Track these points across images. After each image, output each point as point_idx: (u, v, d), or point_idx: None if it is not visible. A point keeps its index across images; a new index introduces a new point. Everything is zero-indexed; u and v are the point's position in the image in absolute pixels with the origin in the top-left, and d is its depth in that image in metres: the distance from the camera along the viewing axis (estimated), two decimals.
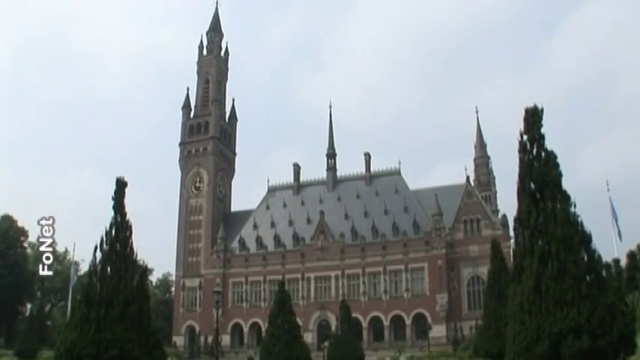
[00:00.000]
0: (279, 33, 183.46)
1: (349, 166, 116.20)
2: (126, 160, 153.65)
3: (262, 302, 68.96)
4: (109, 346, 14.76)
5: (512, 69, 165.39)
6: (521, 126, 14.57)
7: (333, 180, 76.69)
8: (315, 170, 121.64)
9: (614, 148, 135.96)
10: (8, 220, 70.10)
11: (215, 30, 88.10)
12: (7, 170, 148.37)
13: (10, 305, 66.95)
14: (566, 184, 13.83)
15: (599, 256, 13.20)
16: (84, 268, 59.92)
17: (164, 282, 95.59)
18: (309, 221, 71.75)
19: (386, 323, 64.33)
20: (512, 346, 12.92)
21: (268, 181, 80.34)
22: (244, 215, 78.04)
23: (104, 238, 16.50)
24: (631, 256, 42.86)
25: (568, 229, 13.02)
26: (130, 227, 16.91)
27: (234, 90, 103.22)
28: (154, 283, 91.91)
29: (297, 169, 79.51)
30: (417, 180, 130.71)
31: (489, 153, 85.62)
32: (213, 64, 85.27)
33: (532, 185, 13.96)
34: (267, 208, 76.79)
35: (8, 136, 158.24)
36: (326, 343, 42.56)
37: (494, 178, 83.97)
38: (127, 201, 17.18)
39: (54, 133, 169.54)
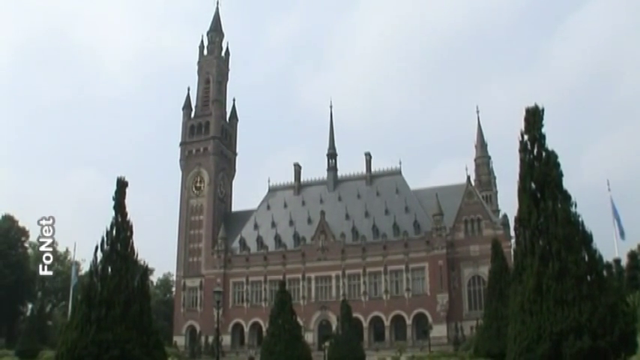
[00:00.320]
0: (280, 33, 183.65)
1: (350, 166, 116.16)
2: (126, 160, 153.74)
3: (263, 302, 68.98)
4: (110, 346, 14.76)
5: (512, 69, 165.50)
6: (521, 126, 14.58)
7: (334, 180, 76.70)
8: (315, 170, 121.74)
9: (614, 148, 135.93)
10: (9, 220, 70.18)
11: (216, 30, 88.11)
12: (8, 170, 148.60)
13: (11, 305, 67.02)
14: (567, 183, 13.84)
15: (600, 256, 13.19)
16: (85, 268, 59.77)
17: (165, 282, 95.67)
18: (309, 221, 71.77)
19: (387, 323, 64.34)
20: (513, 346, 12.92)
21: (269, 181, 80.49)
22: (245, 215, 78.07)
23: (105, 238, 16.50)
24: (632, 255, 42.77)
25: (569, 229, 13.02)
26: (131, 227, 16.91)
27: (235, 90, 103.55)
28: (154, 283, 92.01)
29: (297, 169, 79.51)
30: (417, 180, 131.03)
31: (490, 153, 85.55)
32: (214, 64, 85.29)
33: (533, 185, 13.96)
34: (268, 208, 76.80)
35: (9, 136, 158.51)
36: (327, 343, 42.60)
37: (494, 178, 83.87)
38: (128, 201, 17.18)
39: (55, 133, 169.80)
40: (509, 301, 14.33)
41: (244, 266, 71.68)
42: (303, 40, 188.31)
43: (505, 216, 65.31)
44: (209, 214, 78.10)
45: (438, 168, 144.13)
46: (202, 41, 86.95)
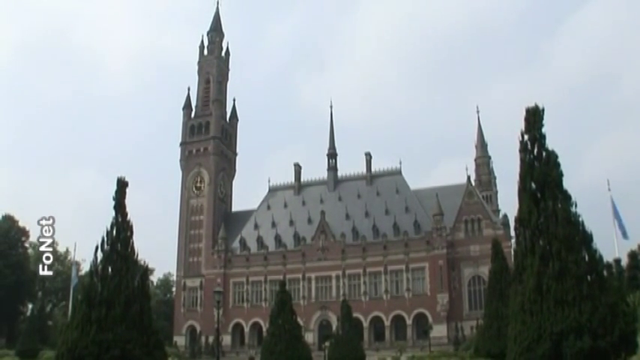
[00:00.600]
0: (281, 33, 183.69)
1: (350, 166, 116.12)
2: (127, 160, 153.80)
3: (263, 302, 68.99)
4: (110, 346, 14.77)
5: (513, 69, 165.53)
6: (522, 126, 14.59)
7: (334, 180, 76.68)
8: (316, 170, 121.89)
9: (615, 148, 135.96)
10: (9, 220, 70.15)
11: (216, 30, 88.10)
12: (9, 170, 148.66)
13: (11, 305, 67.00)
14: (567, 183, 13.85)
15: (600, 256, 13.20)
16: (85, 268, 59.87)
17: (165, 282, 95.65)
18: (310, 221, 71.77)
19: (387, 323, 64.34)
20: (513, 346, 12.93)
21: (269, 181, 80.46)
22: (245, 215, 78.07)
23: (105, 239, 16.51)
24: (632, 255, 42.75)
25: (569, 229, 13.03)
26: (131, 227, 16.93)
27: (235, 90, 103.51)
28: (154, 283, 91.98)
29: (297, 169, 79.49)
30: (417, 180, 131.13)
31: (490, 153, 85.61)
32: (214, 64, 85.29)
33: (533, 185, 13.97)
34: (268, 208, 76.80)
35: (9, 136, 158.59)
36: (327, 343, 42.59)
37: (495, 178, 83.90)
38: (128, 201, 17.20)
39: (55, 133, 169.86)
40: (510, 301, 14.34)
41: (244, 266, 71.68)
42: (303, 40, 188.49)
43: (505, 216, 65.35)
44: (209, 214, 78.09)
45: (438, 168, 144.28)
46: (202, 41, 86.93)
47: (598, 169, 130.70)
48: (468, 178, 67.41)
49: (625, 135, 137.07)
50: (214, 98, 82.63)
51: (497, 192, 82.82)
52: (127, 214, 17.01)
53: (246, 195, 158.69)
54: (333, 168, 77.64)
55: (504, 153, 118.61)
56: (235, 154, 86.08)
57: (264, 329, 56.95)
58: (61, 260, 77.09)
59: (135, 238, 16.89)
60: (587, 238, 13.20)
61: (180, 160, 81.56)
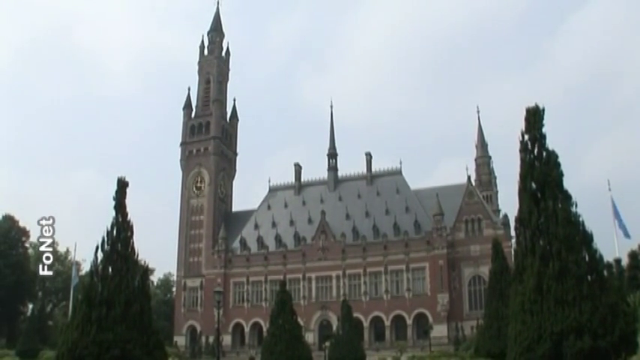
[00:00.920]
0: (281, 33, 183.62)
1: (350, 166, 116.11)
2: (127, 160, 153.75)
3: (263, 302, 69.01)
4: (111, 346, 14.77)
5: (513, 69, 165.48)
6: (522, 126, 14.59)
7: (335, 180, 76.69)
8: (316, 170, 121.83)
9: (616, 148, 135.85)
10: (10, 220, 70.14)
11: (216, 30, 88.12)
12: (9, 170, 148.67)
13: (11, 305, 67.01)
14: (568, 183, 13.85)
15: (601, 256, 13.20)
16: (85, 268, 59.88)
17: (165, 282, 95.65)
18: (310, 221, 71.77)
19: (387, 323, 64.35)
20: (513, 346, 12.93)
21: (269, 181, 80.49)
22: (245, 215, 78.08)
23: (105, 239, 16.51)
24: (632, 255, 42.67)
25: (569, 229, 13.03)
26: (131, 227, 16.92)
27: (236, 90, 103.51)
28: (155, 283, 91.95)
29: (298, 169, 79.51)
30: (418, 180, 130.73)
31: (490, 153, 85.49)
32: (214, 64, 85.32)
33: (533, 185, 13.97)
34: (269, 208, 76.81)
35: (10, 136, 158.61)
36: (327, 343, 42.63)
37: (495, 178, 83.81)
38: (128, 201, 17.19)
39: (56, 132, 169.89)
40: (510, 301, 14.34)
41: (245, 266, 71.70)
42: (303, 40, 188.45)
43: (505, 216, 65.30)
44: (209, 214, 78.10)
45: (439, 168, 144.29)
46: (203, 41, 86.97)
47: (598, 169, 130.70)
48: (469, 178, 67.44)
49: (625, 135, 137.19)
50: (214, 98, 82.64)
51: (497, 192, 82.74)
52: (127, 214, 17.01)
53: (246, 195, 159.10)
54: (333, 168, 77.67)
55: (505, 153, 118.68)
56: (235, 154, 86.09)
57: (264, 329, 56.94)
58: (62, 260, 77.09)
59: (135, 238, 16.90)
60: (587, 238, 13.20)
61: (181, 160, 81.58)
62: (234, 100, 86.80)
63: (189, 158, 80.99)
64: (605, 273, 13.18)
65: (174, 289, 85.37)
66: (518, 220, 14.14)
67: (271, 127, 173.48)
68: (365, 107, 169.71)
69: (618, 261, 32.51)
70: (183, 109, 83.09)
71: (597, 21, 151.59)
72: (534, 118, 14.41)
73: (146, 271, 17.57)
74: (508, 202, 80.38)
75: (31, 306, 65.03)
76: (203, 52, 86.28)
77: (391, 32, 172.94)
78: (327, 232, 69.32)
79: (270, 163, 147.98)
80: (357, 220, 69.82)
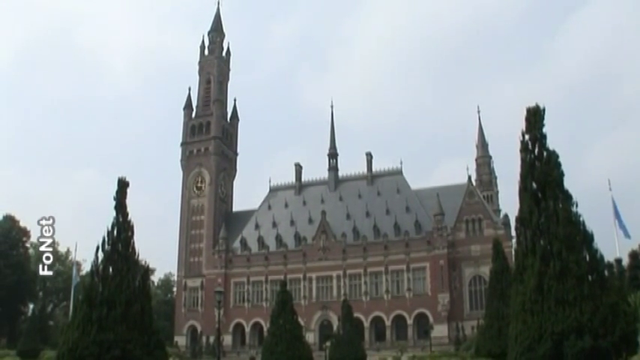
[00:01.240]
0: (282, 33, 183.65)
1: (351, 166, 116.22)
2: (127, 160, 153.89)
3: (264, 302, 69.01)
4: (111, 346, 14.78)
5: (514, 69, 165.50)
6: (522, 125, 14.58)
7: (335, 180, 76.69)
8: (316, 170, 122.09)
9: (616, 148, 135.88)
10: (10, 220, 70.13)
11: (216, 30, 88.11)
12: (10, 170, 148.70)
13: (12, 305, 67.02)
14: (568, 183, 13.83)
15: (601, 256, 13.19)
16: (86, 268, 60.00)
17: (166, 282, 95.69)
18: (310, 221, 71.76)
19: (388, 323, 64.33)
20: (514, 346, 12.92)
21: (270, 181, 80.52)
22: (246, 215, 78.07)
23: (106, 239, 16.52)
24: (633, 255, 42.69)
25: (570, 229, 13.02)
26: (132, 227, 16.93)
27: (236, 90, 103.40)
28: (155, 284, 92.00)
29: (298, 169, 79.52)
30: (418, 180, 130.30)
31: (491, 153, 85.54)
32: (215, 64, 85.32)
33: (534, 185, 13.96)
34: (269, 208, 76.81)
35: (11, 136, 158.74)
36: (328, 343, 42.65)
37: (495, 178, 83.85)
38: (129, 201, 17.20)
39: (56, 132, 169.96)
40: (511, 300, 14.33)
41: (245, 266, 71.71)
42: (304, 41, 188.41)
43: (506, 216, 65.26)
44: (210, 214, 78.09)
45: (439, 168, 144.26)
46: (203, 41, 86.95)
47: (599, 169, 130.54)
48: (469, 177, 67.42)
49: (626, 135, 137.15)
50: (215, 98, 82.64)
51: (498, 192, 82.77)
52: (127, 214, 17.02)
53: (246, 195, 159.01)
54: (333, 168, 77.68)
55: (505, 153, 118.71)
56: (236, 154, 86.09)
57: (264, 329, 56.94)
58: (62, 260, 77.14)
59: (136, 238, 16.92)
60: (588, 238, 13.19)
61: (181, 160, 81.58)
62: (235, 100, 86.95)
63: (189, 158, 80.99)
64: (606, 273, 13.17)
65: (174, 289, 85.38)
66: (518, 220, 14.14)
67: (272, 127, 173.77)
68: (365, 107, 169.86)
69: (619, 261, 32.51)
70: (184, 109, 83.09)
71: (598, 21, 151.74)
72: (535, 117, 14.40)
73: (147, 271, 17.58)
74: (509, 202, 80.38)
75: (31, 306, 64.96)
76: (203, 52, 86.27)
77: (392, 32, 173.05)
78: (327, 232, 69.30)
79: (271, 163, 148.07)
80: (357, 220, 69.81)
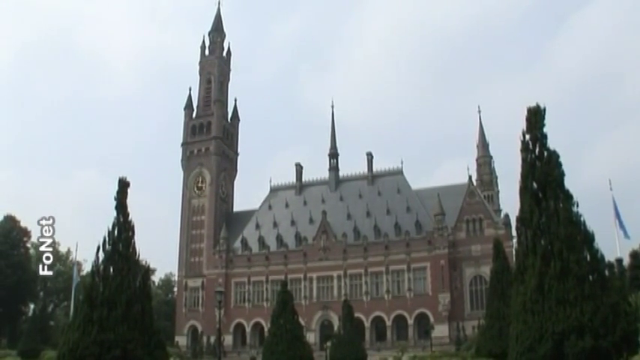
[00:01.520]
0: (282, 33, 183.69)
1: (351, 166, 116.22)
2: (128, 160, 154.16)
3: (265, 302, 68.99)
4: (112, 346, 14.77)
5: (514, 69, 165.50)
6: (523, 125, 14.56)
7: (336, 180, 76.68)
8: (317, 170, 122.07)
9: (616, 148, 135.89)
10: (11, 220, 70.18)
11: (217, 30, 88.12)
12: (11, 170, 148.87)
13: (13, 305, 67.09)
14: (569, 183, 13.81)
15: (602, 256, 13.16)
16: (86, 268, 60.14)
17: (166, 282, 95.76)
18: (311, 221, 71.76)
19: (388, 323, 64.32)
20: (514, 346, 12.90)
21: (270, 181, 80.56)
22: (247, 215, 78.08)
23: (106, 239, 16.50)
24: (634, 255, 42.80)
25: (571, 229, 13.00)
26: (133, 227, 16.91)
27: (237, 90, 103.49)
28: (156, 284, 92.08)
29: (299, 169, 79.52)
30: (419, 180, 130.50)
31: (492, 152, 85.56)
32: (215, 64, 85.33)
33: (534, 185, 13.93)
34: (270, 208, 76.81)
35: (12, 136, 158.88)
36: (328, 343, 42.60)
37: (496, 178, 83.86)
38: (130, 201, 17.18)
39: (57, 133, 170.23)
40: (511, 300, 14.32)
41: (246, 266, 71.72)
42: (305, 40, 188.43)
43: (507, 216, 65.21)
44: (211, 214, 78.11)
45: (440, 168, 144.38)
46: (204, 41, 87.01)
47: (600, 169, 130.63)
48: (470, 177, 67.40)
49: (627, 134, 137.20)
50: (216, 98, 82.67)
51: (498, 192, 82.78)
52: (128, 214, 17.00)
53: (247, 195, 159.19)
54: (334, 168, 77.68)
55: (506, 153, 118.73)
56: (237, 154, 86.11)
57: (265, 329, 56.89)
58: (63, 260, 77.22)
59: (136, 238, 16.88)
60: (588, 238, 13.17)
61: (182, 160, 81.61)
62: (235, 100, 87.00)
63: (190, 158, 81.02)
64: (607, 273, 13.14)
65: (175, 289, 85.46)
66: (519, 219, 14.12)
67: (272, 127, 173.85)
68: (366, 107, 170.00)
69: (620, 261, 32.52)
70: (185, 109, 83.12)
71: (598, 21, 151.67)
72: (535, 117, 14.38)
73: (147, 272, 17.58)
74: (509, 201, 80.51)
75: (32, 306, 65.05)
76: (204, 52, 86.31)
77: (393, 32, 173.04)
78: (328, 232, 69.30)
79: (272, 163, 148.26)
80: (358, 220, 69.81)
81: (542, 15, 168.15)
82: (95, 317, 15.08)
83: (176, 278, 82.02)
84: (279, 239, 71.98)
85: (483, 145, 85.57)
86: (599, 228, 14.13)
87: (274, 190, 79.34)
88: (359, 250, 67.34)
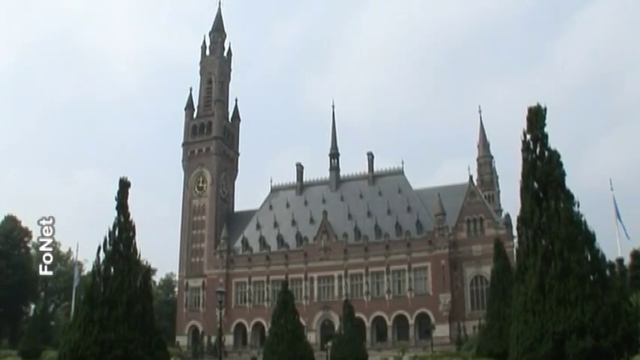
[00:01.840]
0: (283, 33, 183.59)
1: (352, 166, 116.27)
2: (129, 160, 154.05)
3: (265, 302, 68.98)
4: (113, 346, 14.80)
5: (515, 69, 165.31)
6: (524, 125, 14.56)
7: (336, 180, 76.66)
8: (318, 170, 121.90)
9: (617, 148, 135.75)
10: (12, 220, 70.21)
11: (218, 30, 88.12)
12: (11, 171, 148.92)
13: (14, 306, 67.13)
14: (570, 183, 13.82)
15: (603, 256, 13.17)
16: (87, 268, 60.23)
17: (167, 282, 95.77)
18: (312, 221, 71.74)
19: (389, 323, 64.29)
20: (515, 346, 12.91)
21: (271, 181, 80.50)
22: (247, 215, 78.07)
23: (107, 239, 16.54)
24: (635, 255, 42.68)
25: (571, 229, 13.00)
26: (133, 227, 16.95)
27: (237, 90, 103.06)
28: (157, 284, 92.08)
29: (300, 169, 79.49)
30: (420, 180, 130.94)
31: (492, 152, 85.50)
32: (216, 64, 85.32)
33: (535, 184, 13.95)
34: (270, 208, 76.80)
35: (13, 137, 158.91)
36: (329, 343, 42.58)
37: (497, 178, 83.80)
38: (130, 201, 17.22)
39: (58, 133, 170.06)
40: (512, 300, 14.33)
41: (247, 266, 71.71)
42: (306, 41, 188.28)
43: (507, 215, 65.18)
44: (211, 215, 78.11)
45: (441, 168, 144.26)
46: (204, 41, 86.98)
47: (600, 169, 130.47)
48: (470, 177, 67.32)
49: (627, 134, 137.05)
50: (216, 98, 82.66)
51: (499, 192, 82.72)
52: (129, 215, 17.04)
53: (248, 195, 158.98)
54: (335, 168, 77.63)
55: (506, 153, 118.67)
56: (237, 154, 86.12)
57: (266, 329, 56.87)
58: (64, 260, 77.26)
59: (137, 238, 16.94)
60: (589, 238, 13.18)
61: (183, 161, 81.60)
62: (236, 101, 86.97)
63: (191, 158, 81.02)
64: (608, 272, 13.16)
65: (176, 289, 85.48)
66: (520, 219, 14.13)
67: (273, 127, 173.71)
68: (367, 107, 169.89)
69: (620, 260, 32.55)
70: (185, 109, 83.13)
71: (599, 21, 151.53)
72: (536, 117, 14.39)
73: (148, 272, 17.63)
74: (510, 201, 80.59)
75: (33, 306, 65.21)
76: (205, 52, 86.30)
77: (393, 33, 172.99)
78: (329, 232, 69.28)
79: (272, 163, 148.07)
80: (358, 220, 69.78)
81: (542, 15, 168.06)
82: (96, 317, 15.11)
83: (177, 278, 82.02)
84: (280, 239, 71.98)
85: (484, 144, 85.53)
86: (600, 228, 14.12)
87: (275, 190, 79.33)
88: (360, 250, 67.32)
